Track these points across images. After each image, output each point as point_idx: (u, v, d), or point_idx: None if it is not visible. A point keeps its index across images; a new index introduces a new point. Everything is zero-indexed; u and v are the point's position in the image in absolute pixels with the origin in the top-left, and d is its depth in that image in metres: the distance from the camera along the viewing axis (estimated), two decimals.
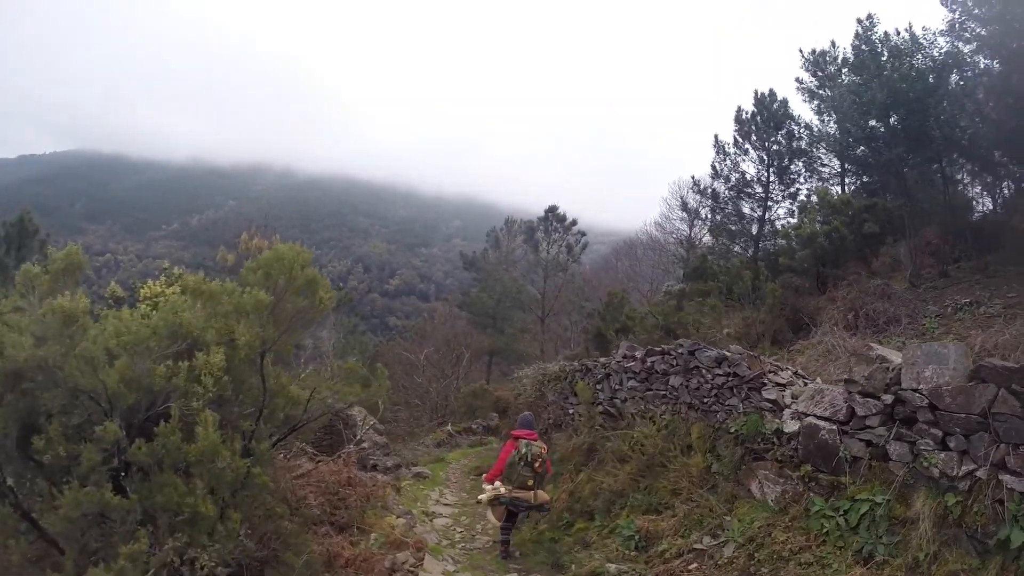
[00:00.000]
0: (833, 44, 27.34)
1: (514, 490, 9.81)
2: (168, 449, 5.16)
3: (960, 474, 6.23)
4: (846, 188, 25.26)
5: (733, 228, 29.60)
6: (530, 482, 9.78)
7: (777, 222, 28.77)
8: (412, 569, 8.40)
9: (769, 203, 28.95)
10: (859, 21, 22.71)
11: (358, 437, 12.38)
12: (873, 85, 19.64)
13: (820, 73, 27.73)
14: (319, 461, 9.73)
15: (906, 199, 20.25)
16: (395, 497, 12.20)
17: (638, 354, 11.79)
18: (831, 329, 14.53)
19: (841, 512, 7.03)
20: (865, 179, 24.95)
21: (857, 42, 22.65)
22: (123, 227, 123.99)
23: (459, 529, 11.80)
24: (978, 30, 18.24)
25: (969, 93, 18.82)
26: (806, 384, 9.02)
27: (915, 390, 6.73)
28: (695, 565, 7.80)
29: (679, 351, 10.47)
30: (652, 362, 11.17)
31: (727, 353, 9.60)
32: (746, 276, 20.54)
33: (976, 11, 17.98)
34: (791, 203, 28.84)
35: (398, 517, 10.37)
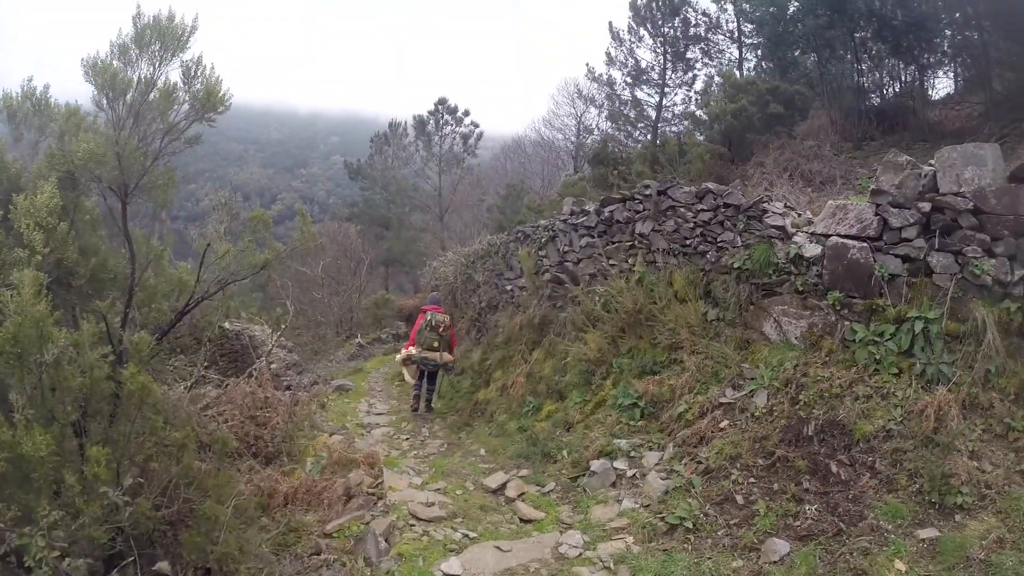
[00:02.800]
0: None
1: (423, 351, 12.12)
2: None
3: (1015, 279, 5.92)
4: (744, 75, 25.74)
5: (631, 115, 30.10)
6: (435, 344, 12.12)
7: (674, 108, 29.93)
8: (372, 490, 7.60)
9: (666, 90, 29.85)
10: None
11: (268, 350, 10.88)
12: None
13: None
14: (226, 385, 8.64)
15: (820, 75, 21.32)
16: (321, 414, 11.11)
17: (590, 207, 10.99)
18: (771, 186, 13.77)
19: (887, 336, 6.47)
20: (768, 64, 25.47)
21: None
22: None
23: (404, 436, 10.93)
24: None
25: None
26: (799, 215, 8.00)
27: (956, 194, 6.25)
28: (726, 422, 7.17)
29: (646, 193, 9.66)
30: (611, 211, 10.34)
31: (710, 186, 8.81)
32: (669, 143, 19.75)
33: None
34: (688, 90, 29.93)
35: (331, 435, 9.84)
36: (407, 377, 13.52)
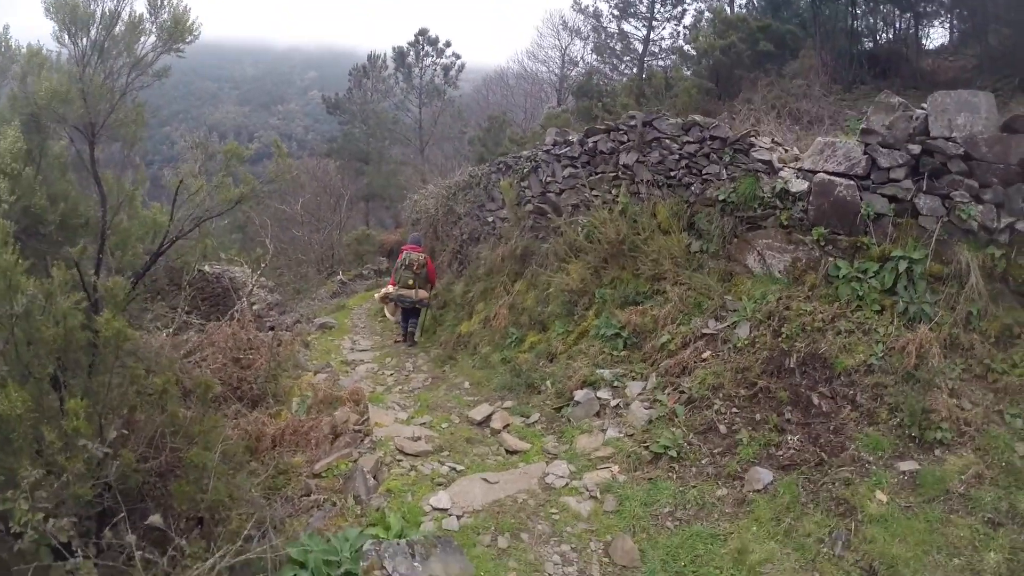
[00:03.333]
0: None
1: (400, 289, 12.80)
2: None
3: (1000, 226, 6.04)
4: (735, 11, 25.33)
5: (617, 48, 28.90)
6: (411, 282, 12.73)
7: (662, 42, 29.63)
8: (359, 427, 7.66)
9: (654, 24, 29.39)
10: None
11: (249, 290, 10.82)
12: None
13: None
14: (208, 329, 8.67)
15: (814, 15, 20.68)
16: (305, 353, 11.13)
17: (573, 138, 10.91)
18: (758, 123, 13.68)
19: (871, 274, 6.59)
20: (758, 2, 25.17)
21: None
22: None
23: (388, 372, 11.04)
24: None
25: None
26: (787, 151, 7.96)
27: (947, 138, 6.32)
28: (708, 353, 7.32)
29: (631, 124, 9.62)
30: (595, 142, 10.29)
31: (696, 118, 8.79)
32: (656, 76, 19.59)
33: None
34: (676, 24, 29.42)
35: (316, 373, 9.86)
36: (387, 314, 14.60)
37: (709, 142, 8.44)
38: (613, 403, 7.39)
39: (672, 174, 8.91)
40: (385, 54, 41.15)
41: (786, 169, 7.67)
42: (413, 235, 14.25)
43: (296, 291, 22.27)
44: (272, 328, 11.28)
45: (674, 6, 29.06)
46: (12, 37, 5.58)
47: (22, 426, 3.60)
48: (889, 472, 5.19)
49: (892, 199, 6.62)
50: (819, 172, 7.18)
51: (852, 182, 6.87)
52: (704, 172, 8.49)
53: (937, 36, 21.70)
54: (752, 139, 8.07)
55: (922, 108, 6.63)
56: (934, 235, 6.24)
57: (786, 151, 8.22)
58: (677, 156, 8.83)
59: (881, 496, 4.95)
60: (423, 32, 39.43)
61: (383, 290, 13.73)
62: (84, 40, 5.11)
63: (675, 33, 29.45)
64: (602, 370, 7.85)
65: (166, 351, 6.26)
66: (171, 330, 7.70)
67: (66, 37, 5.09)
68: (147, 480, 4.51)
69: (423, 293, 12.94)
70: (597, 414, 7.39)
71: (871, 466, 5.28)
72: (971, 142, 6.15)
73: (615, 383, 7.64)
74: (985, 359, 5.72)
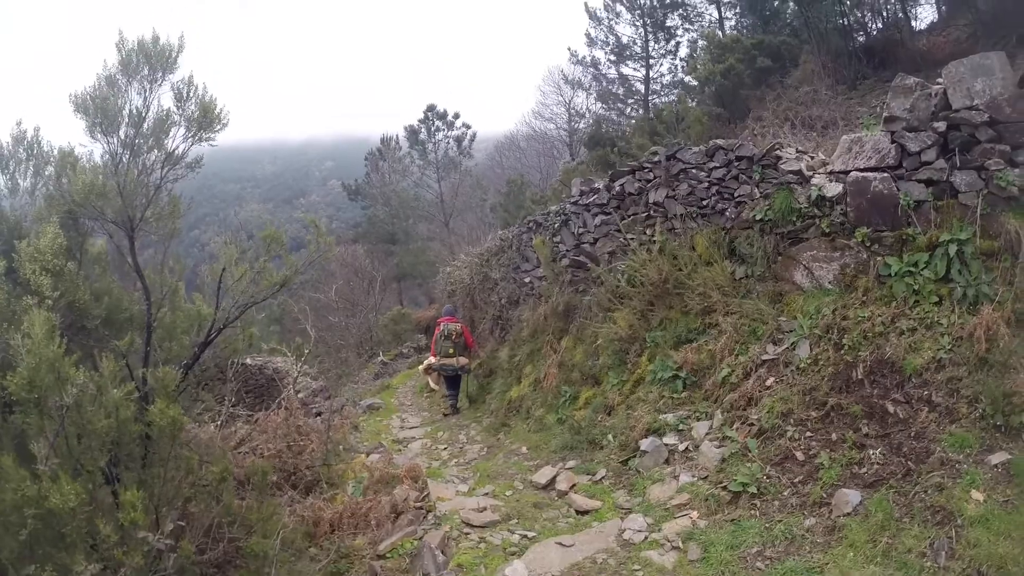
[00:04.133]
0: None
1: (441, 359, 13.49)
2: None
3: None
4: (726, 34, 25.67)
5: (620, 92, 29.41)
6: (451, 351, 13.38)
7: (662, 79, 30.27)
8: (420, 503, 7.45)
9: (651, 62, 30.12)
10: None
11: (294, 379, 10.86)
12: None
13: None
14: (256, 419, 8.58)
15: (806, 21, 20.62)
16: (356, 435, 11.07)
17: (599, 184, 10.78)
18: (774, 136, 13.67)
19: (922, 265, 6.39)
20: (747, 21, 25.65)
21: None
22: None
23: (442, 447, 10.85)
24: None
25: None
26: (812, 157, 7.82)
27: (970, 108, 6.15)
28: (772, 379, 7.10)
29: (654, 160, 9.61)
30: (622, 185, 10.22)
31: (719, 142, 8.76)
32: (668, 108, 20.01)
33: None
34: (673, 58, 30.09)
35: (368, 455, 9.62)
36: (432, 384, 15.48)
37: (736, 163, 8.37)
38: (681, 447, 7.18)
39: (704, 203, 8.82)
40: (397, 135, 41.56)
41: (817, 175, 7.55)
42: (447, 307, 15.17)
43: (339, 376, 22.28)
44: (320, 414, 11.27)
45: (667, 41, 29.56)
46: (44, 139, 5.74)
47: (76, 520, 3.53)
48: (981, 468, 4.91)
49: (929, 183, 6.47)
50: (851, 171, 7.05)
51: (886, 174, 6.74)
52: (736, 195, 8.39)
53: (926, 15, 21.89)
54: (778, 152, 8.00)
55: (939, 83, 6.50)
56: (977, 211, 6.06)
57: (812, 158, 8.11)
58: (706, 184, 8.75)
59: (977, 495, 4.67)
60: (431, 108, 39.85)
61: (426, 362, 14.77)
62: (115, 137, 5.23)
63: (673, 67, 30.01)
64: (665, 415, 7.65)
65: (217, 441, 6.29)
66: (220, 422, 7.71)
67: (98, 134, 5.21)
68: (206, 572, 4.47)
69: (463, 360, 13.56)
70: (666, 461, 7.17)
71: (961, 466, 5.01)
72: (994, 106, 6.02)
73: (680, 426, 7.43)
74: None
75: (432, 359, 13.96)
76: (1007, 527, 4.38)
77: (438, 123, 39.91)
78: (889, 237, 6.72)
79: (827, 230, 7.28)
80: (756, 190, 8.11)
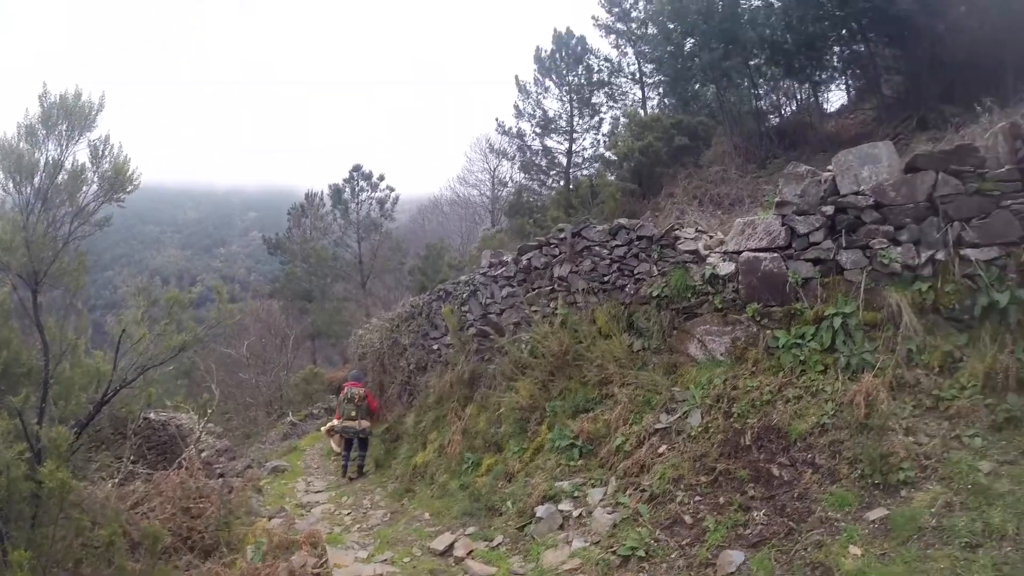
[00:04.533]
0: None
1: (344, 421, 13.78)
2: None
3: (922, 261, 6.27)
4: (647, 113, 27.17)
5: (543, 164, 30.21)
6: (353, 414, 13.70)
7: (584, 152, 31.28)
8: (317, 570, 7.45)
9: (575, 136, 31.21)
10: None
11: (197, 437, 10.69)
12: None
13: (616, 9, 29.46)
14: (155, 479, 8.40)
15: (721, 104, 22.26)
16: (258, 498, 10.88)
17: (507, 257, 11.01)
18: (683, 214, 14.28)
19: (808, 337, 6.73)
20: (669, 101, 26.82)
21: None
22: None
23: (345, 512, 10.70)
24: None
25: (771, 4, 20.55)
26: (711, 237, 8.22)
27: (856, 193, 6.65)
28: (665, 447, 7.26)
29: (561, 236, 9.90)
30: (529, 259, 10.52)
31: (622, 221, 9.10)
32: (582, 185, 20.50)
33: None
34: (596, 133, 31.32)
35: (270, 519, 9.58)
36: (333, 446, 15.57)
37: (637, 242, 8.68)
38: (576, 513, 7.22)
39: (606, 279, 9.08)
40: (322, 192, 41.65)
41: (713, 255, 7.85)
42: (353, 372, 15.53)
43: (246, 435, 21.85)
44: (222, 475, 11.04)
45: (592, 116, 30.77)
46: None
47: None
48: (859, 524, 5.09)
49: (816, 262, 6.83)
50: (744, 251, 7.37)
51: (776, 254, 7.08)
52: (636, 272, 8.67)
53: (836, 99, 23.37)
54: (677, 232, 8.32)
55: (829, 170, 6.93)
56: (861, 286, 6.43)
57: (711, 237, 8.41)
58: (608, 261, 9.04)
59: (855, 550, 4.83)
60: (357, 168, 40.12)
61: (328, 424, 15.12)
62: (28, 189, 5.21)
63: (596, 142, 31.09)
64: (561, 482, 7.72)
65: (112, 502, 6.08)
66: (116, 480, 7.51)
67: (11, 185, 5.18)
68: None
69: (365, 423, 13.85)
70: (561, 527, 7.19)
71: (840, 523, 5.19)
72: (879, 191, 6.44)
73: (576, 493, 7.49)
74: (933, 390, 5.77)
75: (335, 421, 14.23)
76: None
77: (363, 183, 40.15)
78: (778, 312, 7.03)
79: (720, 306, 7.57)
80: (655, 268, 8.40)
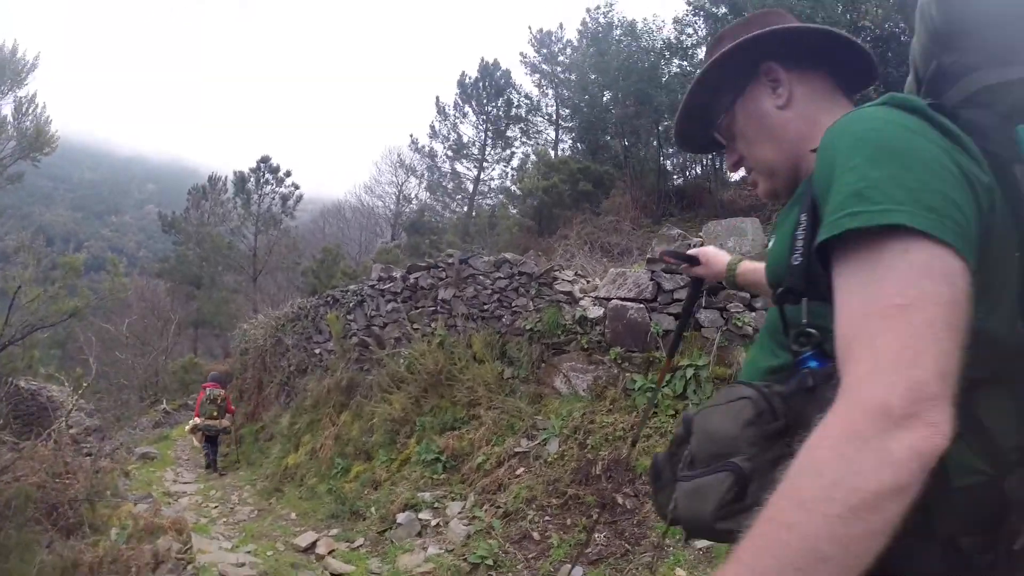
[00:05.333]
0: (561, 26, 31.35)
1: (206, 420, 14.49)
2: None
3: None
4: (558, 154, 27.83)
5: (449, 187, 30.64)
6: (215, 413, 14.56)
7: (492, 182, 31.84)
8: (181, 555, 7.50)
9: (485, 164, 31.80)
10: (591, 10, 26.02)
11: (68, 412, 10.65)
12: (610, 52, 22.51)
13: (544, 50, 30.29)
14: (22, 449, 8.21)
15: (626, 157, 23.21)
16: (126, 482, 10.89)
17: (397, 274, 11.40)
18: (572, 255, 14.95)
19: (663, 384, 7.17)
20: (581, 146, 27.47)
21: (591, 17, 26.02)
22: None
23: (213, 505, 10.77)
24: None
25: (688, 74, 21.17)
26: (588, 281, 8.89)
27: None
28: (522, 469, 7.74)
29: (449, 262, 10.34)
30: (416, 278, 10.91)
31: (507, 256, 9.65)
32: (481, 215, 21.10)
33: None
34: (505, 166, 31.98)
35: (136, 504, 9.35)
36: (196, 443, 15.94)
37: (518, 277, 9.18)
38: (434, 523, 7.61)
39: (485, 307, 9.58)
40: (226, 177, 40.12)
41: (586, 298, 8.43)
42: (213, 374, 16.54)
43: (116, 418, 20.81)
44: (90, 455, 10.98)
45: (504, 148, 31.34)
46: None
47: None
48: (687, 551, 5.65)
49: (678, 316, 7.40)
50: (613, 299, 7.95)
51: (642, 305, 7.66)
52: (514, 305, 9.18)
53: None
54: (556, 273, 8.88)
55: (699, 236, 7.73)
56: (715, 343, 7.05)
57: (588, 282, 9.03)
58: (490, 291, 9.53)
59: (681, 572, 5.39)
60: (265, 160, 38.80)
61: (191, 423, 15.31)
62: None
63: (504, 174, 31.56)
64: (423, 493, 8.10)
65: None
66: None
67: None
68: None
69: (225, 422, 14.91)
70: (419, 534, 7.58)
71: (670, 548, 5.74)
72: None
73: (436, 504, 7.89)
74: None
75: (197, 420, 14.73)
76: None
77: (269, 176, 38.78)
78: (638, 357, 7.63)
79: (586, 346, 8.13)
80: (531, 303, 8.93)
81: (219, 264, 38.29)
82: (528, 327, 8.79)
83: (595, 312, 8.18)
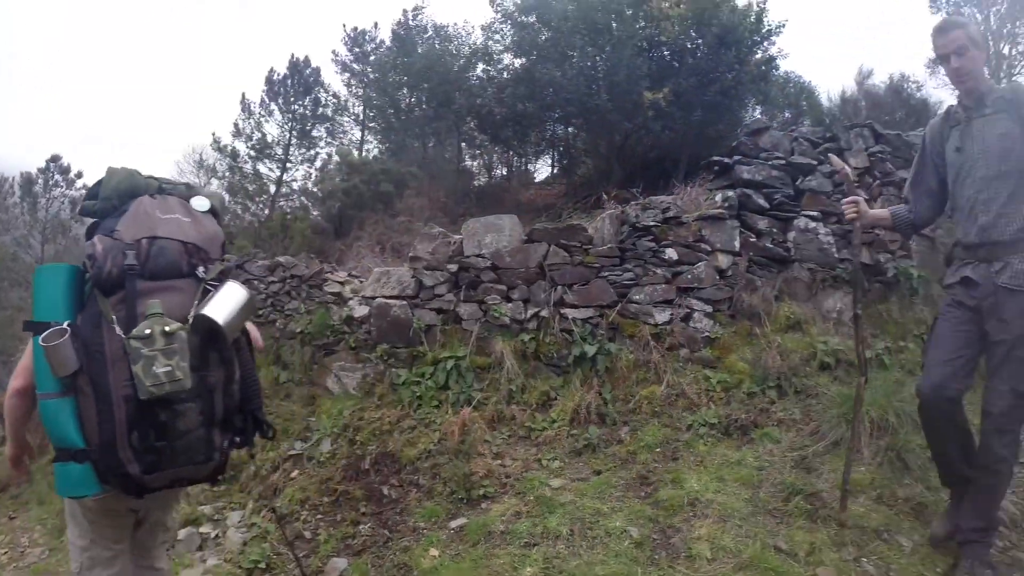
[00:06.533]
0: (376, 25, 30.59)
1: None
2: None
3: (528, 317, 7.47)
4: (364, 154, 27.94)
5: (250, 188, 29.89)
6: None
7: (294, 183, 30.86)
8: None
9: (288, 165, 30.65)
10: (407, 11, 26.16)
11: None
12: (415, 54, 22.98)
13: (357, 49, 29.71)
14: None
15: (424, 159, 23.90)
16: None
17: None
18: (362, 256, 15.22)
19: (427, 376, 7.64)
20: (384, 146, 27.84)
21: (404, 18, 26.12)
22: None
23: (1, 551, 10.06)
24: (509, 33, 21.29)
25: (493, 78, 22.03)
26: (361, 282, 9.18)
27: (478, 255, 7.78)
28: (297, 471, 7.81)
29: (226, 267, 9.89)
30: None
31: (281, 259, 9.67)
32: (275, 218, 20.96)
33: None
34: (309, 166, 30.90)
35: None
36: None
37: (290, 280, 9.23)
38: (213, 535, 7.54)
39: (260, 313, 9.52)
40: (13, 179, 35.76)
41: (354, 298, 8.60)
42: None
43: None
44: None
45: (308, 148, 30.43)
46: None
47: None
48: (442, 532, 5.88)
49: (439, 311, 7.78)
50: (378, 297, 8.15)
51: (405, 302, 7.93)
52: (287, 308, 9.22)
53: (544, 171, 25.95)
54: (327, 275, 8.99)
55: (459, 235, 8.17)
56: (474, 334, 7.46)
57: (361, 282, 9.15)
58: (264, 295, 9.51)
59: (434, 552, 5.57)
60: (55, 159, 35.24)
61: None
62: None
63: (307, 175, 30.54)
64: (204, 507, 8.00)
65: None
66: None
67: None
68: None
69: None
70: (200, 547, 7.44)
71: (426, 531, 5.98)
72: (497, 256, 7.54)
73: (216, 516, 7.83)
74: (527, 423, 6.86)
75: None
76: (453, 574, 5.29)
77: (58, 177, 35.30)
78: (403, 353, 7.88)
79: (354, 345, 8.30)
80: (303, 305, 9.02)
81: (3, 280, 33.70)
82: (299, 330, 8.87)
83: (361, 311, 8.38)
